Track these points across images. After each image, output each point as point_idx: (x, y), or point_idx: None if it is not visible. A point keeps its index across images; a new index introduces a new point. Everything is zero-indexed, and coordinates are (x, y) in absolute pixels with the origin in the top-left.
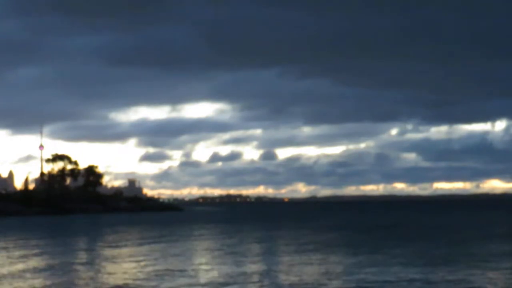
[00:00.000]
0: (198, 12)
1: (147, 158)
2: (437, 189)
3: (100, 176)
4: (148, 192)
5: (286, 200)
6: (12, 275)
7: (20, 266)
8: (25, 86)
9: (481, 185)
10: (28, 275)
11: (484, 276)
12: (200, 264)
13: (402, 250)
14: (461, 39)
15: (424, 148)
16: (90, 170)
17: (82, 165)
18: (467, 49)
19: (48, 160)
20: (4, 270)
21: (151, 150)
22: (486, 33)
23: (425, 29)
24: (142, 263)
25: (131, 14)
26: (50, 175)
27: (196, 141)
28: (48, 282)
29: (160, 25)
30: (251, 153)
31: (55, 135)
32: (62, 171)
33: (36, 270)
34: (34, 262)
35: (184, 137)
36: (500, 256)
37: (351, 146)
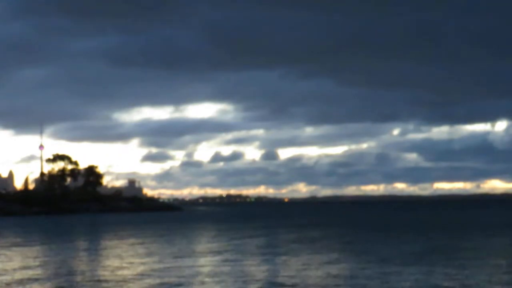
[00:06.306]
0: (201, 13)
1: (149, 158)
2: (437, 189)
3: (100, 176)
4: (148, 192)
5: (286, 200)
6: (12, 275)
7: (19, 265)
8: (29, 86)
9: (481, 185)
10: (27, 274)
11: (484, 273)
12: (197, 262)
13: (400, 247)
14: (462, 39)
15: (425, 148)
16: (90, 170)
17: (83, 165)
18: (468, 49)
19: (48, 160)
20: (4, 270)
21: (153, 150)
22: (487, 33)
23: (427, 29)
24: (139, 262)
25: (135, 16)
26: (50, 175)
27: (198, 141)
28: (47, 282)
29: (163, 27)
30: (253, 153)
31: (58, 135)
32: (62, 171)
33: (35, 270)
34: (33, 262)
35: (186, 138)
36: (499, 253)
37: (353, 146)
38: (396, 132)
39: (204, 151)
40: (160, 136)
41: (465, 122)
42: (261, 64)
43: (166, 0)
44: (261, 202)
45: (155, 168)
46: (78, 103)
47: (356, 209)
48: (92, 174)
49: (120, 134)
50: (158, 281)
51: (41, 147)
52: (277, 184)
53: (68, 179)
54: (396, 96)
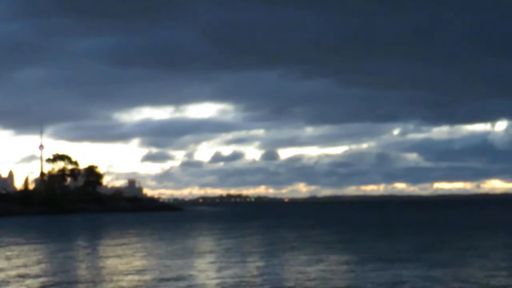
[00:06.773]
0: (202, 13)
1: (149, 158)
2: (437, 189)
3: (100, 176)
4: (148, 192)
5: (287, 200)
6: (11, 275)
7: (17, 264)
8: (30, 86)
9: (481, 185)
10: (25, 273)
11: (483, 272)
12: (196, 262)
13: (401, 246)
14: (461, 39)
15: (425, 148)
16: (90, 170)
17: (83, 165)
18: (468, 49)
19: (48, 160)
20: (4, 270)
21: (153, 150)
22: (486, 33)
23: (427, 29)
24: (138, 261)
25: (136, 16)
26: (50, 175)
27: (199, 142)
28: (46, 282)
29: (164, 27)
30: (253, 153)
31: (59, 135)
32: (62, 171)
33: (34, 270)
34: (33, 262)
35: (187, 138)
36: (498, 253)
37: (353, 146)
38: (396, 132)
39: (204, 151)
40: (160, 136)
41: (465, 122)
42: (261, 64)
43: (166, 0)
44: (261, 202)
45: (155, 168)
46: (78, 103)
47: (356, 209)
48: (92, 174)
49: (120, 134)
50: (156, 280)
51: (41, 147)
52: (277, 184)
53: (68, 179)
54: (396, 96)
